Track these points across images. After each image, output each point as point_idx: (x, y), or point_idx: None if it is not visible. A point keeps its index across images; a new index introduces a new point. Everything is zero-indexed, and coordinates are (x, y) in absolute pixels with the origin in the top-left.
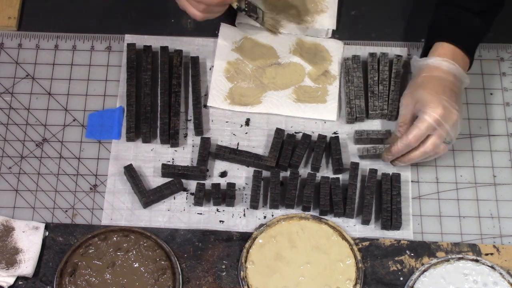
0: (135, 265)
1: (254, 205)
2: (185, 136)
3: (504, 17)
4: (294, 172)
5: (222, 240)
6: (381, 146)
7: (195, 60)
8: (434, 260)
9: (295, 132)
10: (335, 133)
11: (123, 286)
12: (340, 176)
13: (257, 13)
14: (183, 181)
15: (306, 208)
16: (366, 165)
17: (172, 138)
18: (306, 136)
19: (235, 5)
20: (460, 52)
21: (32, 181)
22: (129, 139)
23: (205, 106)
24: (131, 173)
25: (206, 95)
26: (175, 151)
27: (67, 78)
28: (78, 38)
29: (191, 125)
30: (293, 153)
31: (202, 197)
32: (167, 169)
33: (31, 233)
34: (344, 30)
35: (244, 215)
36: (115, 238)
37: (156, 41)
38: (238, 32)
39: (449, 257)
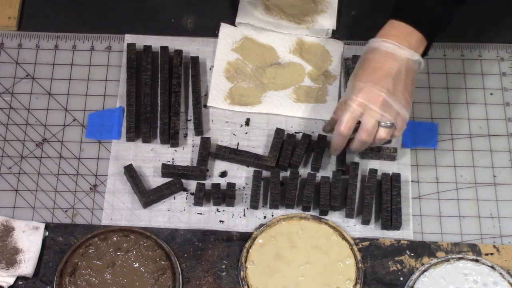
0: (135, 265)
1: (254, 205)
2: (185, 136)
3: (504, 17)
4: (294, 172)
5: (222, 240)
6: (385, 146)
7: (195, 60)
8: (434, 260)
9: (295, 132)
10: None
11: (123, 286)
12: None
13: None
14: (183, 181)
15: (306, 208)
16: (366, 165)
17: (172, 138)
18: (306, 136)
19: None
20: (417, 33)
21: (32, 181)
22: (129, 139)
23: (205, 106)
24: (131, 173)
25: (206, 95)
26: (175, 151)
27: (67, 78)
28: (78, 38)
29: (191, 125)
30: (293, 153)
31: (202, 197)
32: (167, 169)
33: (31, 233)
34: (344, 30)
35: (244, 215)
36: (115, 238)
37: (156, 41)
38: (238, 32)
39: (449, 257)
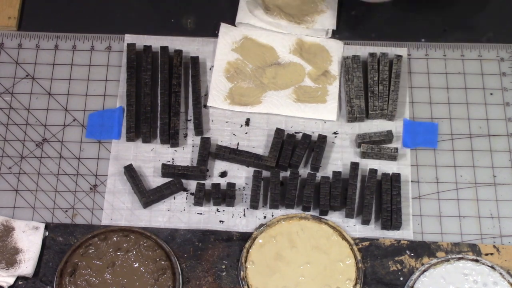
0: (135, 265)
1: (254, 205)
2: (185, 136)
3: (504, 17)
4: (294, 172)
5: (222, 240)
6: (386, 146)
7: (195, 60)
8: (434, 260)
9: (295, 132)
10: (335, 133)
11: (123, 286)
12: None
13: None
14: (183, 181)
15: (306, 208)
16: (366, 165)
17: (172, 138)
18: (306, 136)
19: None
20: None
21: (32, 181)
22: (129, 139)
23: (205, 106)
24: (131, 173)
25: (206, 95)
26: (175, 151)
27: (67, 78)
28: (78, 38)
29: (191, 125)
30: (293, 153)
31: (202, 197)
32: (167, 169)
33: (31, 233)
34: (344, 30)
35: (244, 215)
36: (115, 238)
37: (156, 41)
38: (238, 32)
39: (449, 257)
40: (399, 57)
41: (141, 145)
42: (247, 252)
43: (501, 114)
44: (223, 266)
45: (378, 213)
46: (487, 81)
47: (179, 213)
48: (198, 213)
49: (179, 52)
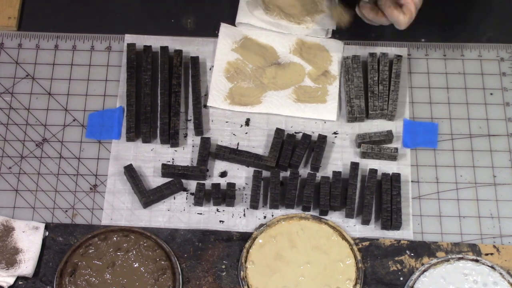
0: (135, 265)
1: (254, 205)
2: (185, 136)
3: (504, 17)
4: (294, 172)
5: (222, 240)
6: (386, 146)
7: (195, 60)
8: (434, 260)
9: (295, 132)
10: (335, 133)
11: (123, 286)
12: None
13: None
14: (183, 181)
15: (306, 208)
16: (366, 165)
17: (172, 138)
18: (306, 136)
19: None
20: None
21: (32, 181)
22: (129, 139)
23: (205, 106)
24: (131, 173)
25: (206, 95)
26: (175, 151)
27: (67, 78)
28: (78, 38)
29: (191, 125)
30: (293, 153)
31: (202, 197)
32: (167, 169)
33: (31, 233)
34: (344, 30)
35: (244, 215)
36: (115, 238)
37: (156, 41)
38: (238, 32)
39: (449, 257)
40: (399, 57)
41: (141, 145)
42: (247, 252)
43: (501, 114)
44: (223, 266)
45: (378, 213)
46: (487, 81)
47: (179, 213)
48: (198, 213)
49: (179, 52)
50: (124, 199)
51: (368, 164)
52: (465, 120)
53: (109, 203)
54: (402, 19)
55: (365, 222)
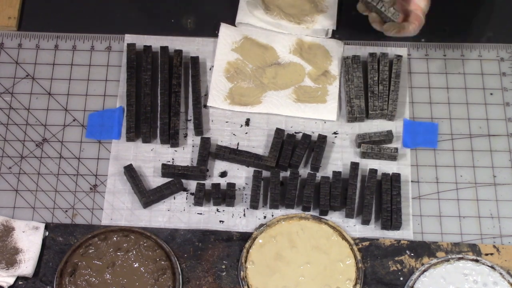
0: (135, 265)
1: (254, 205)
2: (185, 136)
3: (504, 17)
4: (294, 172)
5: (222, 240)
6: (386, 146)
7: (195, 60)
8: (434, 260)
9: (295, 132)
10: (335, 133)
11: (123, 286)
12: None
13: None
14: (183, 181)
15: (306, 208)
16: (366, 165)
17: (172, 138)
18: (306, 136)
19: None
20: None
21: (32, 181)
22: (129, 139)
23: (205, 106)
24: (131, 173)
25: (206, 95)
26: (175, 151)
27: (67, 78)
28: (78, 38)
29: (191, 125)
30: (293, 153)
31: (202, 197)
32: (167, 169)
33: (31, 233)
34: (344, 30)
35: (244, 215)
36: (115, 238)
37: (156, 41)
38: (238, 32)
39: (449, 257)
40: (399, 57)
41: (141, 145)
42: (247, 252)
43: (501, 114)
44: (223, 266)
45: (378, 213)
46: (487, 81)
47: (179, 213)
48: (198, 213)
49: (179, 52)
50: (124, 199)
51: (368, 164)
52: (465, 120)
53: (109, 203)
54: (412, 29)
55: (365, 222)
